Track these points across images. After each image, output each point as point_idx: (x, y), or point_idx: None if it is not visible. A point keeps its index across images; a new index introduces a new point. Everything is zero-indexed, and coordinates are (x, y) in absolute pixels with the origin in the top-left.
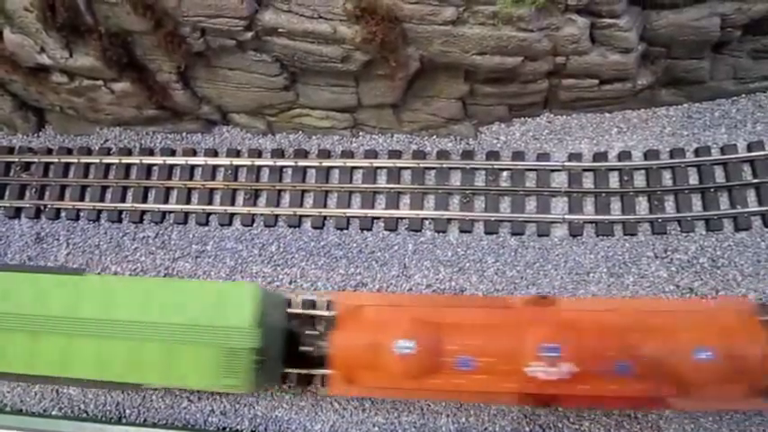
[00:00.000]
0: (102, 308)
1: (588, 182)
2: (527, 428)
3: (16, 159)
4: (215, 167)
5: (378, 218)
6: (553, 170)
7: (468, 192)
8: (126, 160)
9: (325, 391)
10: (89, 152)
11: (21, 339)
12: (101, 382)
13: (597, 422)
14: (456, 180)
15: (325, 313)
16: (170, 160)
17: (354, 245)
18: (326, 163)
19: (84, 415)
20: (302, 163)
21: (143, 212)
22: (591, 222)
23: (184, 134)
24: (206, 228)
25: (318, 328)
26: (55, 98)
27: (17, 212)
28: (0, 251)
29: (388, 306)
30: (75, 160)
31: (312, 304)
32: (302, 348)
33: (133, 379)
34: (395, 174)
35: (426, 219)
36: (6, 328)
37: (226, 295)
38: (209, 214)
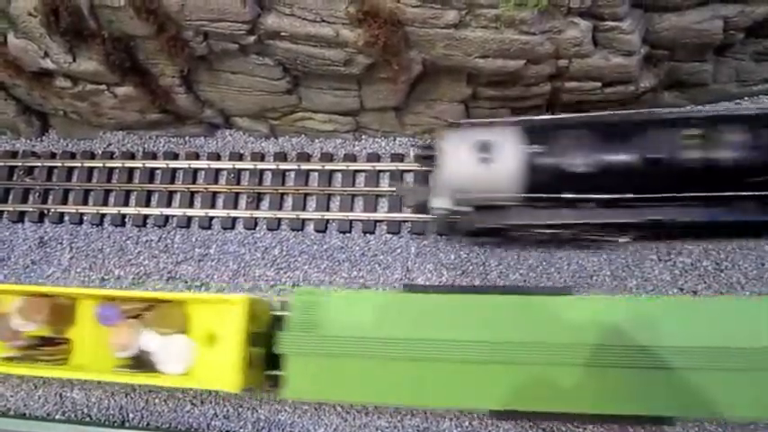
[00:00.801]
0: (612, 334)
1: None
2: None
3: (20, 163)
4: (218, 171)
5: (381, 221)
6: None
7: None
8: (129, 164)
9: None
10: (92, 156)
11: (502, 371)
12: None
13: (601, 426)
14: None
15: None
16: (173, 164)
17: (357, 248)
18: (329, 166)
19: (88, 419)
20: (305, 166)
21: (146, 216)
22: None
23: (187, 138)
24: (209, 231)
25: None
26: (58, 102)
27: (20, 216)
28: (3, 255)
29: None
30: (79, 164)
31: None
32: None
33: (675, 412)
34: (397, 177)
35: (429, 222)
36: (491, 360)
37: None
38: (211, 218)
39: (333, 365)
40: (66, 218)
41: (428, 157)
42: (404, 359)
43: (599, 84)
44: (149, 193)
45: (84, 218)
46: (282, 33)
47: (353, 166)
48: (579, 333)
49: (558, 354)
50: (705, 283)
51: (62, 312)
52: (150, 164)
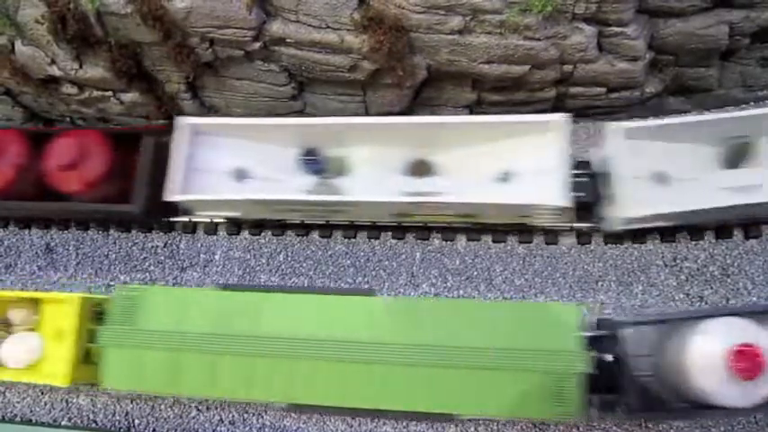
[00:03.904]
0: (398, 332)
1: None
2: None
3: None
4: None
5: (385, 226)
6: None
7: None
8: None
9: None
10: None
11: (307, 367)
12: (407, 413)
13: None
14: None
15: None
16: None
17: (362, 253)
18: None
19: (94, 425)
20: None
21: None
22: (599, 230)
23: None
24: (214, 237)
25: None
26: (65, 109)
27: (27, 223)
28: (10, 261)
29: None
30: None
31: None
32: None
33: (445, 409)
34: None
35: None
36: (294, 355)
37: (545, 317)
38: (217, 223)
39: (145, 357)
40: (73, 224)
41: None
42: (207, 352)
43: (604, 89)
44: None
45: (91, 224)
46: (288, 40)
47: None
48: (361, 331)
49: (347, 351)
50: (711, 288)
51: None
52: None
